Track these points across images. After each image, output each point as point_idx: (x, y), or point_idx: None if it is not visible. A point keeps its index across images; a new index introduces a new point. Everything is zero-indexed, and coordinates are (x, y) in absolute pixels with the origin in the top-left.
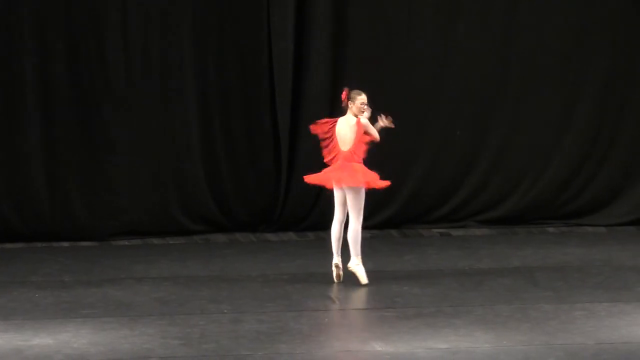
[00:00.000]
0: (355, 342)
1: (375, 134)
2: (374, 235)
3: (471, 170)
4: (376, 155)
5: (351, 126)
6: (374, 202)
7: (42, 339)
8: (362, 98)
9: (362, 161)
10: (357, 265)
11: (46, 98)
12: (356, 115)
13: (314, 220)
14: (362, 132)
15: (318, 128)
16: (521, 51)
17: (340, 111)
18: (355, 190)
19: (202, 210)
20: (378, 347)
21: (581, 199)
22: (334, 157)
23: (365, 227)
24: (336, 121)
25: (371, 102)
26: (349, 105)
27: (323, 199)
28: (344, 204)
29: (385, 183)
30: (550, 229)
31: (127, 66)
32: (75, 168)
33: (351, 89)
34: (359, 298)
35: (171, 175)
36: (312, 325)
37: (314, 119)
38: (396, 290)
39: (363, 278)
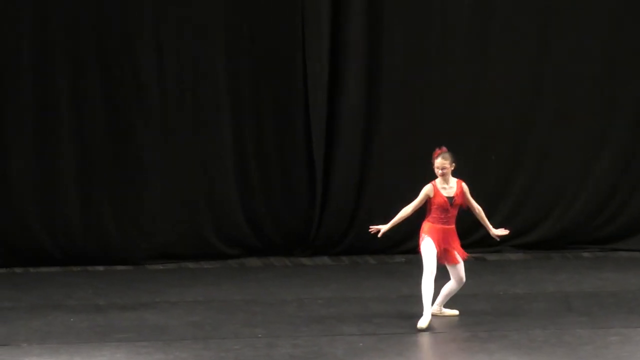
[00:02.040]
0: None
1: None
2: (408, 259)
3: (506, 194)
4: (409, 181)
5: None
6: (408, 227)
7: None
8: (439, 163)
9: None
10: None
11: (80, 122)
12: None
13: (348, 245)
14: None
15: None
16: (555, 75)
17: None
18: None
19: (236, 234)
20: None
21: (616, 224)
22: None
23: (399, 251)
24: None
25: (405, 126)
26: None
27: (358, 223)
28: None
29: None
30: (585, 254)
31: (161, 88)
32: (109, 192)
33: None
34: (393, 323)
35: (206, 199)
36: (346, 350)
37: (348, 141)
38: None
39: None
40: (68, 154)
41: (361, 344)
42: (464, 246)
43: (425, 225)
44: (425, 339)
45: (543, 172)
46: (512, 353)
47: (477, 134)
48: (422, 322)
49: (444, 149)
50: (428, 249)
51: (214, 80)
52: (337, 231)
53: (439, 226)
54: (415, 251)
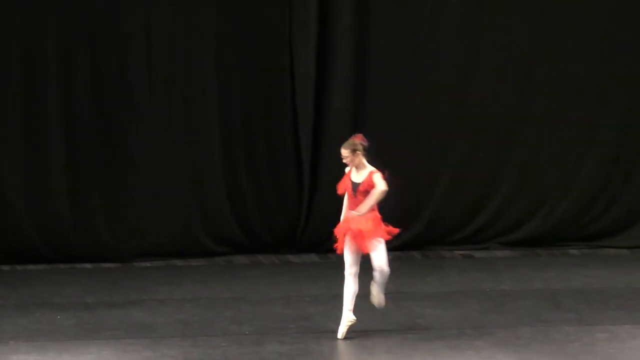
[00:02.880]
0: None
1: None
2: (396, 257)
3: (493, 192)
4: (399, 178)
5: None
6: (396, 224)
7: None
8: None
9: None
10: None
11: (69, 121)
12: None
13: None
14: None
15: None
16: (544, 73)
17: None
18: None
19: (224, 232)
20: None
21: (603, 221)
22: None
23: (388, 248)
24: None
25: (393, 125)
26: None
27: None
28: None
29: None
30: (573, 251)
31: (151, 88)
32: (98, 190)
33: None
34: (380, 320)
35: (194, 197)
36: (333, 347)
37: (336, 141)
38: (418, 312)
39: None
40: (57, 152)
41: (349, 341)
42: (453, 243)
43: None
44: (412, 337)
45: (531, 170)
46: (499, 350)
47: (465, 132)
48: (339, 331)
49: (358, 137)
50: (344, 249)
51: (203, 81)
52: (324, 229)
53: (349, 213)
54: (403, 248)
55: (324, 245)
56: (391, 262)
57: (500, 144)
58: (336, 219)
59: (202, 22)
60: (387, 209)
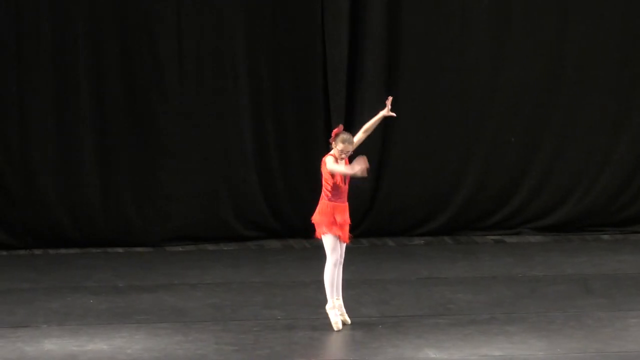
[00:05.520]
0: (408, 349)
1: (339, 171)
2: (427, 242)
3: (525, 177)
4: (431, 163)
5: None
6: (427, 209)
7: (96, 345)
8: (344, 147)
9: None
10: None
11: (100, 105)
12: (335, 157)
13: (367, 227)
14: (327, 171)
15: None
16: (575, 56)
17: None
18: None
19: (255, 216)
20: (432, 354)
21: (636, 206)
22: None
23: (418, 233)
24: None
25: (425, 109)
26: (333, 145)
27: (376, 206)
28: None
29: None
30: (605, 236)
31: (181, 70)
32: (128, 174)
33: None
34: (412, 305)
35: (224, 181)
36: (365, 332)
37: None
38: (450, 297)
39: (336, 325)
40: (88, 135)
41: (380, 326)
42: (484, 228)
43: None
44: (444, 322)
45: (562, 155)
46: (531, 335)
47: (496, 117)
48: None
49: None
50: None
51: (234, 63)
52: (356, 214)
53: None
54: (435, 233)
55: (355, 230)
56: (423, 247)
57: (531, 128)
58: (366, 203)
59: (234, 5)
60: (419, 193)
